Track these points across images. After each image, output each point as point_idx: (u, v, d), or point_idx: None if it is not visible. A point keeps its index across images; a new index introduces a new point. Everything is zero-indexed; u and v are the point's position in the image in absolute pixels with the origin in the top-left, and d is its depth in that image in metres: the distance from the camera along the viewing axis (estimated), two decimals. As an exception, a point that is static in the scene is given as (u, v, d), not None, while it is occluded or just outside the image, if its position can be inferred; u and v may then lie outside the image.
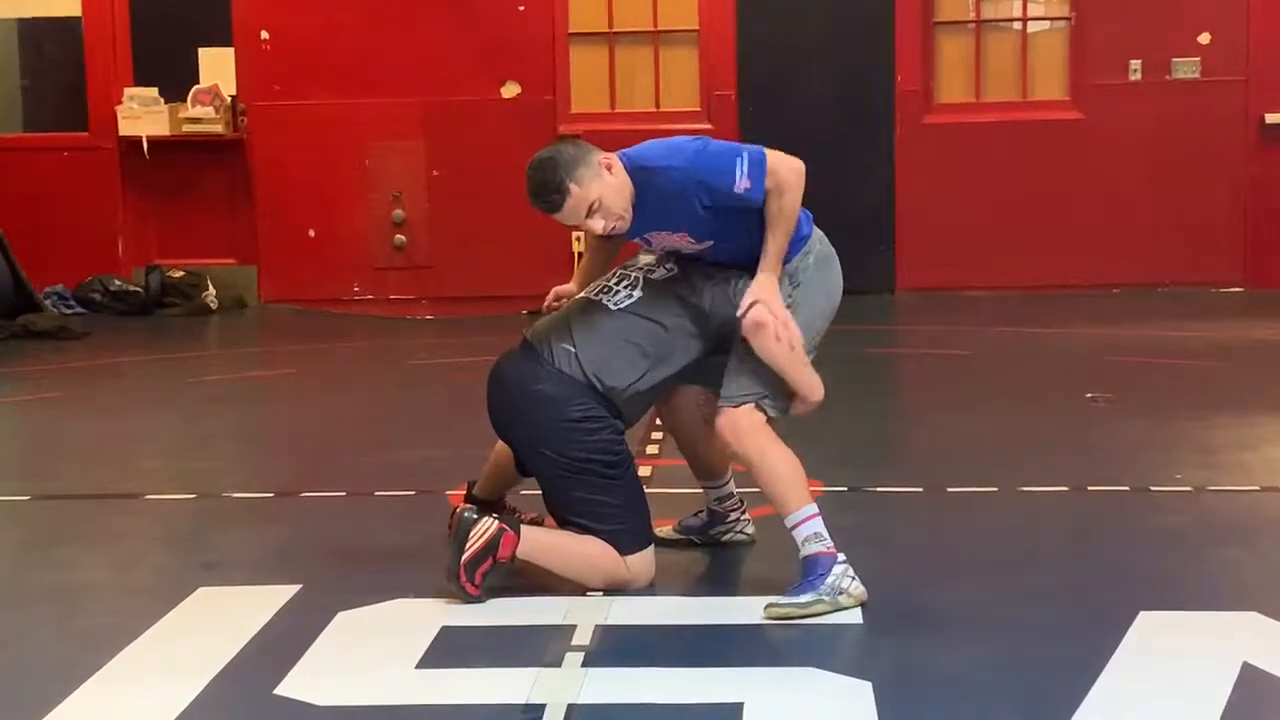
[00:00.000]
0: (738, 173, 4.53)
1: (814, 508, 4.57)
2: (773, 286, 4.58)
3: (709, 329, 4.71)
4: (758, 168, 4.54)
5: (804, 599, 4.44)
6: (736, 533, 5.19)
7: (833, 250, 4.86)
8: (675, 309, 4.70)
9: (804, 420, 4.77)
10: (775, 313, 4.55)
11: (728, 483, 5.14)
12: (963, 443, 6.89)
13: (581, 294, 4.86)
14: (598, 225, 4.63)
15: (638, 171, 4.63)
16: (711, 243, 4.68)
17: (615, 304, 4.72)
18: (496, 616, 4.51)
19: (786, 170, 4.57)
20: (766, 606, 4.45)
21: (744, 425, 4.60)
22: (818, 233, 4.84)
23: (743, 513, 5.19)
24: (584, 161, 4.57)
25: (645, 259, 4.85)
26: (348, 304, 11.89)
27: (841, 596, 4.46)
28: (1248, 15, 11.49)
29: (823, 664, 4.11)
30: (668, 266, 4.78)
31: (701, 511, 5.22)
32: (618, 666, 4.15)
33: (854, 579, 4.50)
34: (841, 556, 4.51)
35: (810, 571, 4.48)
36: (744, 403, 4.62)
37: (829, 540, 4.53)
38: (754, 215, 4.61)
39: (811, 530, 4.53)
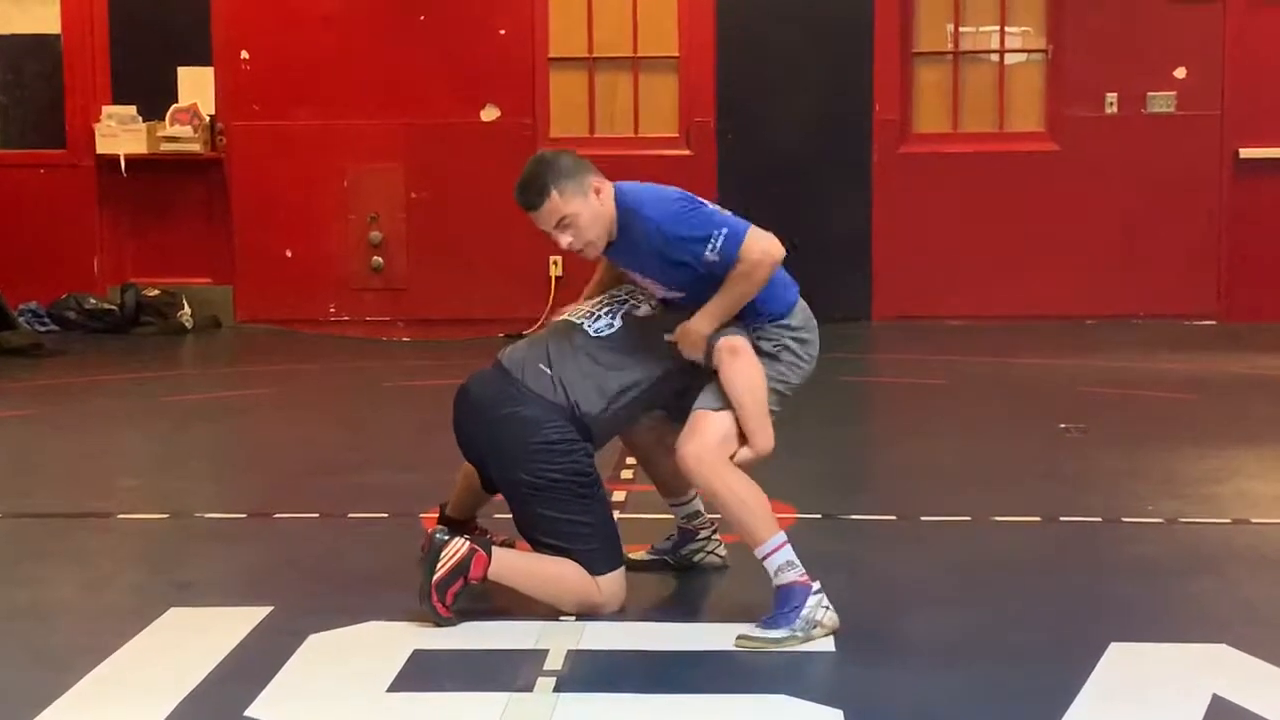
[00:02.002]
0: (709, 245, 4.53)
1: (782, 536, 4.55)
2: (700, 332, 4.58)
3: (676, 372, 4.73)
4: (731, 243, 4.53)
5: (776, 634, 4.43)
6: (708, 553, 5.20)
7: (813, 327, 4.83)
8: (649, 349, 4.72)
9: (779, 448, 4.76)
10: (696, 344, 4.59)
11: (693, 500, 5.15)
12: (936, 472, 6.91)
13: (564, 316, 4.88)
14: (564, 240, 4.67)
15: (622, 208, 4.66)
16: (681, 294, 4.70)
17: (595, 331, 4.75)
18: (468, 640, 4.50)
19: (759, 253, 4.54)
20: (738, 638, 4.45)
21: (708, 456, 4.57)
22: (801, 307, 4.82)
23: (714, 533, 5.20)
24: (575, 177, 4.62)
25: (632, 289, 4.86)
26: (324, 325, 11.87)
27: (815, 629, 4.46)
28: (1223, 51, 11.57)
29: (795, 691, 4.11)
30: (652, 304, 4.80)
31: (672, 534, 5.23)
32: (589, 692, 4.14)
33: (828, 609, 4.49)
34: (816, 585, 4.51)
35: (784, 603, 4.47)
36: (722, 409, 4.58)
37: (801, 568, 4.52)
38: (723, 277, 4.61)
39: (783, 559, 4.52)
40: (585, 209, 4.62)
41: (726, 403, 4.60)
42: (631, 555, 5.07)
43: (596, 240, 4.68)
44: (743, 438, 4.59)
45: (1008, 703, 4.07)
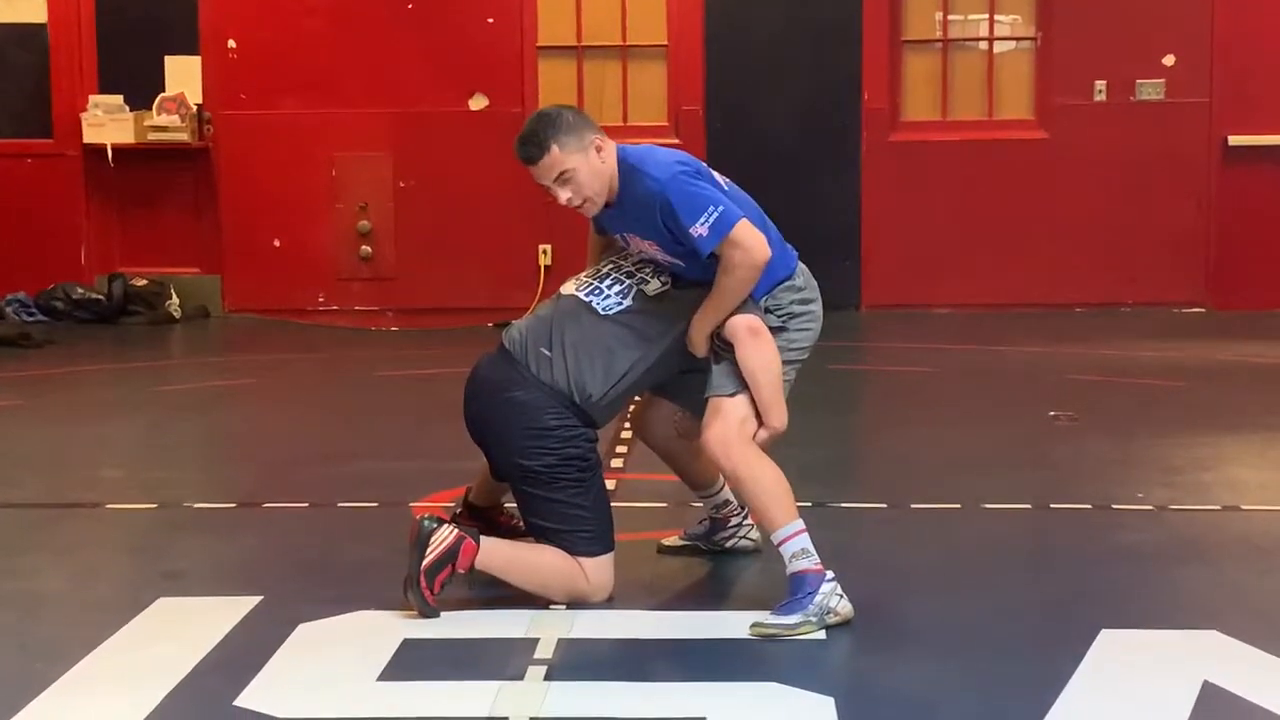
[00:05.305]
0: (701, 217, 4.51)
1: (800, 523, 4.55)
2: (700, 334, 4.64)
3: (681, 349, 4.70)
4: (721, 225, 4.51)
5: (791, 620, 4.42)
6: (740, 538, 5.22)
7: (814, 285, 4.89)
8: (663, 325, 4.69)
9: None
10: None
11: (720, 490, 5.16)
12: (926, 460, 6.91)
13: (568, 290, 4.81)
14: (563, 195, 4.63)
15: (625, 167, 4.64)
16: (682, 263, 4.68)
17: (604, 309, 4.70)
18: (458, 629, 4.49)
19: (744, 253, 4.53)
20: (752, 625, 4.43)
21: (734, 439, 4.58)
22: (802, 269, 4.86)
23: (744, 518, 5.21)
24: (577, 132, 4.60)
25: (637, 258, 4.80)
26: (312, 314, 11.84)
27: (829, 616, 4.45)
28: (1212, 38, 11.57)
29: (786, 679, 4.11)
30: (663, 279, 4.75)
31: (705, 520, 5.25)
32: (580, 680, 4.14)
33: (842, 597, 4.48)
34: (830, 574, 4.49)
35: (798, 589, 4.46)
36: (738, 392, 4.59)
37: (816, 556, 4.51)
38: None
39: (798, 546, 4.51)
40: (584, 164, 4.60)
41: (740, 385, 4.60)
42: (665, 541, 5.21)
43: (595, 197, 4.65)
44: (758, 417, 4.61)
45: (999, 689, 4.07)
